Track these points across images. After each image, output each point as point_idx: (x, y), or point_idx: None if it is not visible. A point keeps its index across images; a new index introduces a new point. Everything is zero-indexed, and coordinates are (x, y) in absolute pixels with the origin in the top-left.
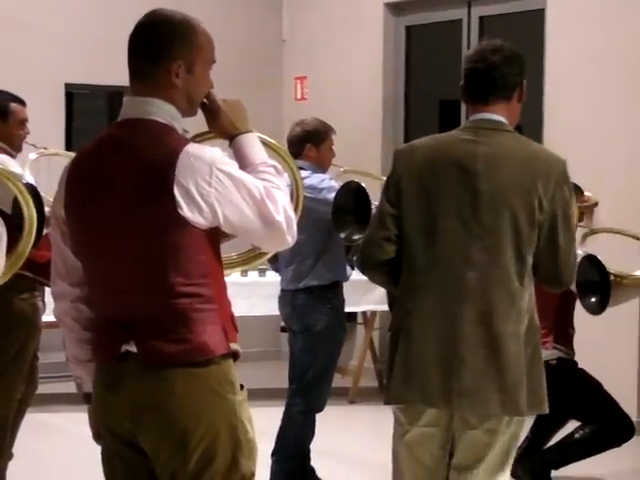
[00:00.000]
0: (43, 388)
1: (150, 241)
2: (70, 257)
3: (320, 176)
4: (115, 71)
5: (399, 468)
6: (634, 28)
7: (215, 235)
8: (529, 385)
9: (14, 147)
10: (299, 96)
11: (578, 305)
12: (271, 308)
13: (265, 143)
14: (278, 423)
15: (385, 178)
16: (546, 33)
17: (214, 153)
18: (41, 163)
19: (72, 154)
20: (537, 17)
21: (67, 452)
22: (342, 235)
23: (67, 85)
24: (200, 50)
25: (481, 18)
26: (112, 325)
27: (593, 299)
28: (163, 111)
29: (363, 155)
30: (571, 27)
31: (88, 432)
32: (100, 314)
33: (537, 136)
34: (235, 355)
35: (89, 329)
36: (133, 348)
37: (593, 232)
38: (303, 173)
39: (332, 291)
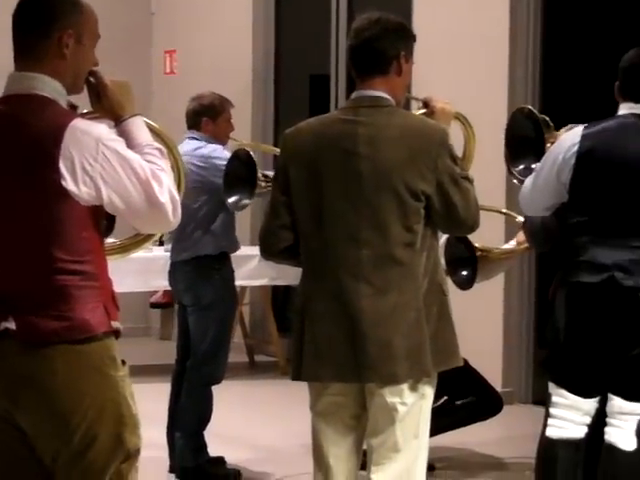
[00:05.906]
0: None
1: (35, 214)
2: None
3: (213, 146)
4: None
5: (314, 440)
6: (501, 4)
7: (98, 213)
8: (436, 344)
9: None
10: (168, 70)
11: None
12: (139, 284)
13: (149, 127)
14: (151, 401)
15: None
16: (413, 7)
17: (101, 129)
18: None
19: None
20: None
21: None
22: (231, 200)
23: None
24: (88, 21)
25: None
26: None
27: (462, 274)
28: (49, 86)
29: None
30: (439, 2)
31: None
32: None
33: None
34: (117, 333)
35: None
36: (12, 325)
37: None
38: (197, 143)
39: (220, 262)
